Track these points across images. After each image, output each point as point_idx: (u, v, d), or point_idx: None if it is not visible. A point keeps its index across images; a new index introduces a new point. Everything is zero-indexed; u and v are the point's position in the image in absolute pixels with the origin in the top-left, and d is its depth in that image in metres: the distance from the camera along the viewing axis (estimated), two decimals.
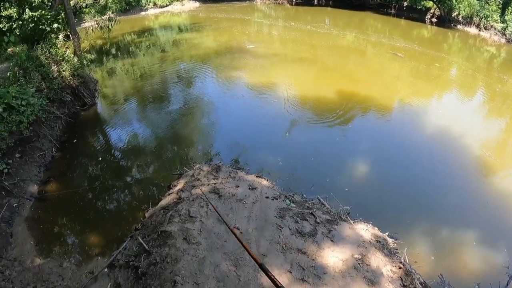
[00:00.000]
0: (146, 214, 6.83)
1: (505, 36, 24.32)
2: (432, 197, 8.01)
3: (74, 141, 9.85)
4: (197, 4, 32.82)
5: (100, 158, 9.25)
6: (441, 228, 7.08)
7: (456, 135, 10.80)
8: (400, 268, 5.36)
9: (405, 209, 7.56)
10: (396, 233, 6.48)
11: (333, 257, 5.21)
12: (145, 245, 5.49)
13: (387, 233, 6.31)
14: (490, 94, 15.01)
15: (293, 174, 8.36)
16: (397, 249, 5.97)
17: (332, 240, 5.57)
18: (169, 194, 7.04)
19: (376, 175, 8.67)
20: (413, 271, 5.48)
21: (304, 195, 7.36)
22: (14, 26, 12.58)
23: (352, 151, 9.64)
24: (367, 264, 5.23)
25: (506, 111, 13.63)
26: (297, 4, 32.88)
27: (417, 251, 6.34)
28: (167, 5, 30.82)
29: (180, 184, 7.20)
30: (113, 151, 9.78)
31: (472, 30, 26.26)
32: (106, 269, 5.57)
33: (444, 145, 10.27)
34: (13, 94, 8.12)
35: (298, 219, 5.98)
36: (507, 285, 5.95)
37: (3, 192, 7.13)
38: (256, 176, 7.52)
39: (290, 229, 5.68)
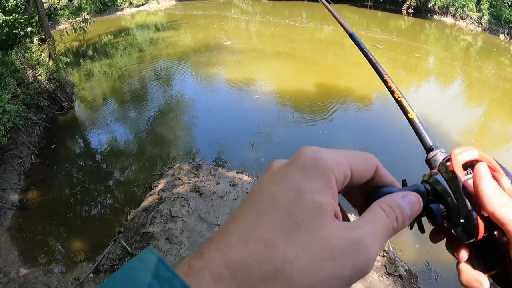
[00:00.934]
0: (128, 216, 6.82)
1: (481, 25, 24.79)
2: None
3: (53, 146, 9.71)
4: (173, 1, 32.52)
5: (81, 163, 9.17)
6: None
7: (437, 123, 10.99)
8: (383, 256, 5.48)
9: None
10: None
11: None
12: (128, 248, 5.50)
13: None
14: (469, 82, 15.36)
15: None
16: None
17: None
18: (151, 195, 7.05)
19: None
20: (397, 258, 5.60)
21: None
22: None
23: (334, 144, 9.66)
24: None
25: (485, 98, 13.98)
26: None
27: (402, 240, 6.45)
28: (143, 4, 30.43)
29: (161, 184, 7.21)
30: (93, 154, 9.70)
31: (449, 20, 26.68)
32: (91, 275, 5.56)
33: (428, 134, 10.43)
34: None
35: None
36: None
37: None
38: (237, 173, 7.56)
39: None
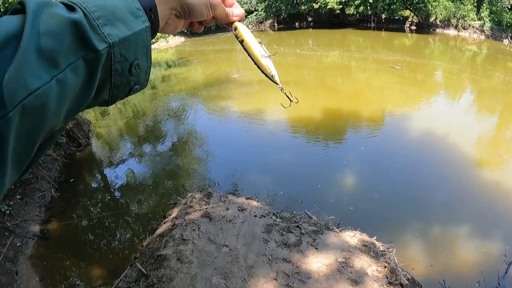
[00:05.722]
0: (144, 243, 7.19)
1: (484, 32, 25.10)
2: (444, 207, 8.17)
3: (71, 180, 10.21)
4: (182, 39, 33.54)
5: (98, 196, 9.64)
6: (435, 231, 7.37)
7: (456, 138, 11.23)
8: (385, 267, 5.68)
9: (410, 221, 7.69)
10: (391, 242, 6.57)
11: (317, 262, 5.56)
12: (143, 270, 5.84)
13: (375, 237, 6.60)
14: (486, 91, 15.89)
15: (296, 200, 8.44)
16: (384, 251, 6.27)
17: (316, 248, 5.93)
18: (165, 223, 7.41)
19: (385, 193, 8.72)
20: (399, 268, 5.79)
21: (294, 212, 7.63)
22: None
23: (355, 172, 9.69)
24: (351, 266, 5.56)
25: (498, 105, 14.45)
26: (279, 29, 33.78)
27: (417, 258, 6.62)
28: (153, 43, 31.26)
29: (174, 212, 7.57)
30: (110, 188, 10.16)
31: (451, 32, 26.98)
32: None
33: (443, 149, 10.64)
34: None
35: (284, 232, 6.34)
36: (506, 272, 6.20)
37: (6, 233, 7.49)
38: (246, 198, 7.88)
39: (276, 241, 6.05)
